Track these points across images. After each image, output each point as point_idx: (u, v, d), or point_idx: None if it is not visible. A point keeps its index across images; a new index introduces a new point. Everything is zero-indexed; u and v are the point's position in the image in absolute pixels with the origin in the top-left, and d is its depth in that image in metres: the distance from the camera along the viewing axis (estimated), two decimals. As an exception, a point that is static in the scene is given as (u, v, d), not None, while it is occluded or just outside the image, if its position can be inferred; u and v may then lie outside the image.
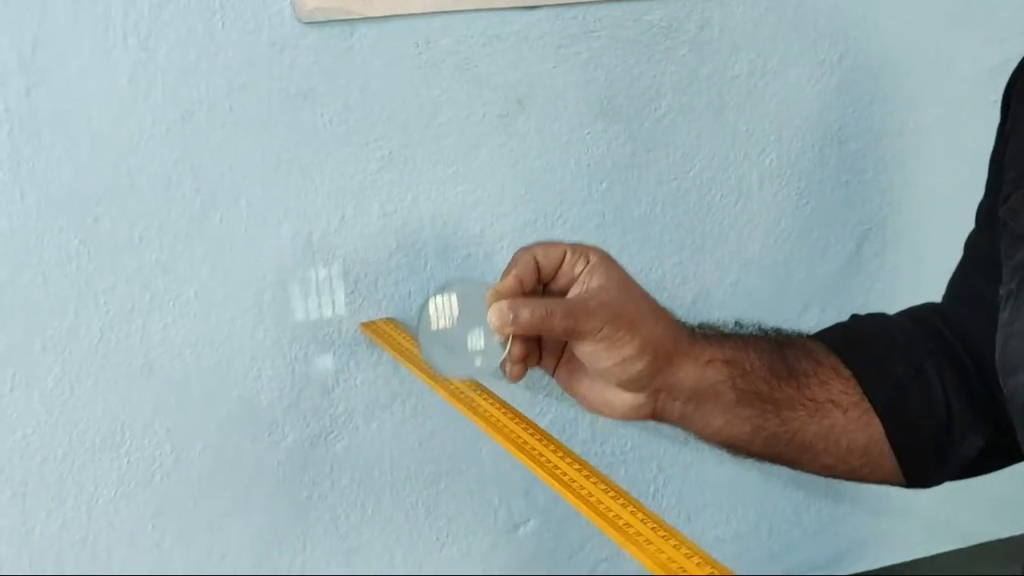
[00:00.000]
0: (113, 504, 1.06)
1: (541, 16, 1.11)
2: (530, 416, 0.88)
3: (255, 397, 1.08)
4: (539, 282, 0.82)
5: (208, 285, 1.04)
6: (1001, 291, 0.83)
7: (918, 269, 1.30)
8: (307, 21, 1.03)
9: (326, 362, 1.10)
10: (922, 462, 0.92)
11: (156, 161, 1.01)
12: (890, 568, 1.40)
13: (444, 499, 1.18)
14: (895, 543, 1.40)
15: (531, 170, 1.14)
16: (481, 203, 1.13)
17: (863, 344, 0.93)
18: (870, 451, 0.91)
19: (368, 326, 1.09)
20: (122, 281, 1.02)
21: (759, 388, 0.87)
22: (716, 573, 0.68)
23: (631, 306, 0.81)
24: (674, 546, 0.70)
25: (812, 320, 1.27)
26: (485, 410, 0.89)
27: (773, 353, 0.88)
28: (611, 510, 0.75)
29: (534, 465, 0.81)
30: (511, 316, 0.78)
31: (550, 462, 0.81)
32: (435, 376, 0.94)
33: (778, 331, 0.92)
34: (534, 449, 0.83)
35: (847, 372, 0.91)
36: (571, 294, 0.82)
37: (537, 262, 0.82)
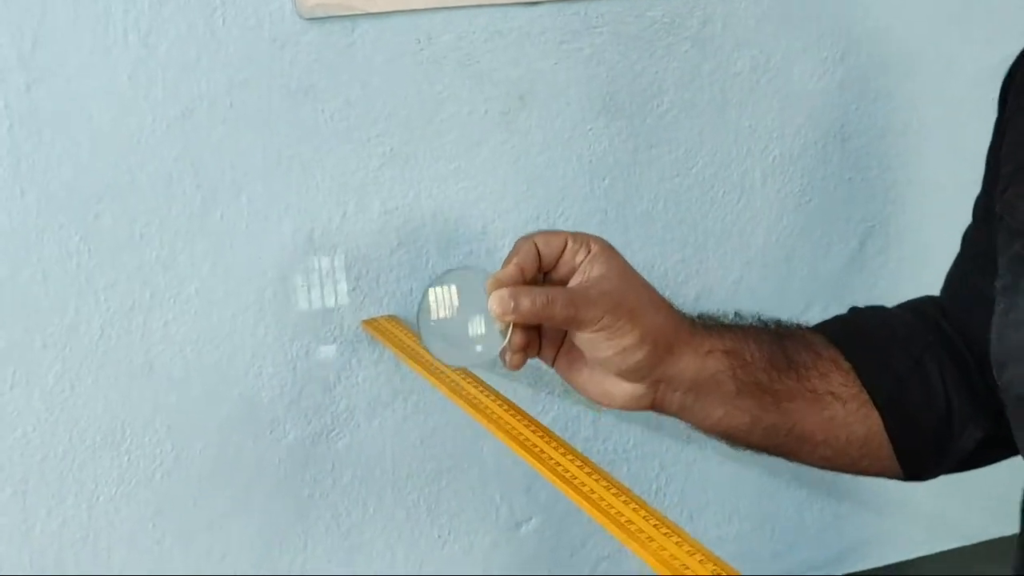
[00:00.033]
0: (113, 502, 1.05)
1: (543, 12, 1.10)
2: (532, 413, 0.88)
3: (256, 395, 1.08)
4: (540, 271, 0.82)
5: (209, 282, 1.04)
6: (996, 284, 0.83)
7: (921, 266, 1.30)
8: (308, 17, 1.02)
9: (327, 359, 1.10)
10: (921, 455, 0.92)
11: (157, 158, 1.01)
12: (892, 567, 1.40)
13: (446, 497, 1.18)
14: (897, 542, 1.40)
15: (533, 167, 1.14)
16: (483, 200, 1.12)
17: (862, 336, 0.93)
18: (869, 443, 0.91)
19: (369, 323, 1.09)
20: (123, 278, 1.02)
21: (759, 379, 0.87)
22: (719, 571, 0.67)
23: (632, 295, 0.81)
24: (677, 543, 0.70)
25: (815, 317, 1.25)
26: (487, 407, 0.89)
27: (773, 344, 0.88)
28: (613, 507, 0.75)
29: (536, 462, 0.81)
30: (512, 304, 0.78)
31: (552, 459, 0.81)
32: (437, 373, 0.94)
33: (778, 323, 0.92)
34: (536, 446, 0.83)
35: (846, 364, 0.91)
36: (572, 283, 0.82)
37: (538, 250, 0.81)
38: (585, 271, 0.82)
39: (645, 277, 0.85)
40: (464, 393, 0.91)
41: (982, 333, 0.85)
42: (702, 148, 1.20)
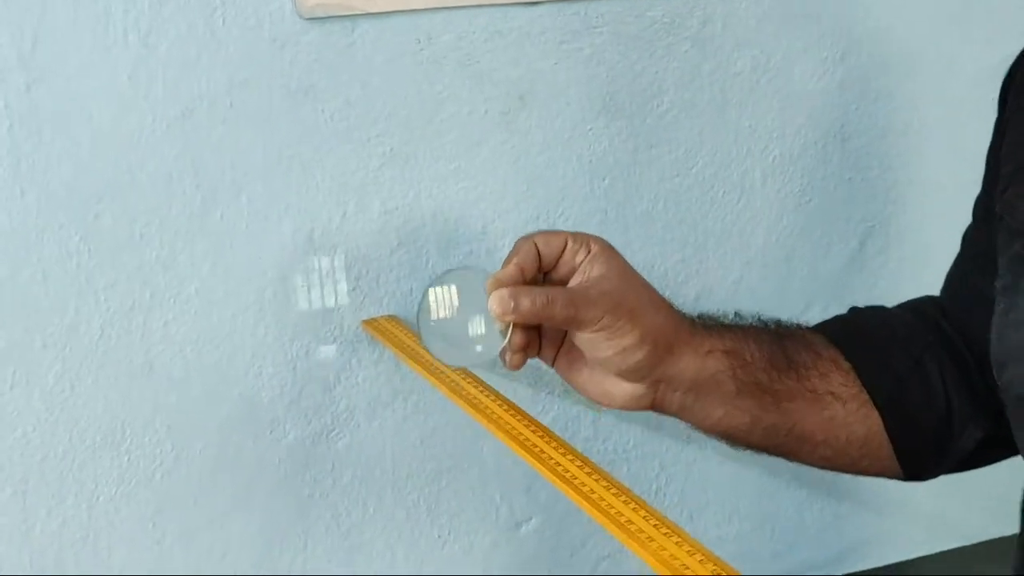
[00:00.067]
0: (114, 502, 1.05)
1: (543, 12, 1.10)
2: (532, 413, 0.88)
3: (256, 395, 1.08)
4: (540, 271, 0.82)
5: (209, 282, 1.04)
6: (996, 284, 0.83)
7: (921, 266, 1.30)
8: (308, 17, 1.02)
9: (327, 359, 1.10)
10: (921, 455, 0.92)
11: (157, 158, 1.00)
12: (892, 567, 1.40)
13: (446, 497, 1.18)
14: (897, 542, 1.40)
15: (533, 167, 1.14)
16: (483, 200, 1.12)
17: (862, 336, 0.93)
18: (869, 443, 0.91)
19: (369, 323, 1.09)
20: (123, 278, 1.02)
21: (759, 379, 0.87)
22: (719, 571, 0.67)
23: (632, 295, 0.81)
24: (677, 543, 0.70)
25: (815, 317, 1.25)
26: (487, 407, 0.89)
27: (773, 344, 0.88)
28: (613, 507, 0.75)
29: (536, 462, 0.81)
30: (512, 304, 0.78)
31: (552, 459, 0.81)
32: (437, 373, 0.93)
33: (778, 323, 0.92)
34: (536, 446, 0.83)
35: (846, 364, 0.91)
36: (572, 283, 0.82)
37: (538, 250, 0.81)
38: (585, 271, 0.81)
39: (645, 277, 0.85)
40: (464, 393, 0.91)
41: (982, 333, 0.85)
42: (702, 148, 1.20)
